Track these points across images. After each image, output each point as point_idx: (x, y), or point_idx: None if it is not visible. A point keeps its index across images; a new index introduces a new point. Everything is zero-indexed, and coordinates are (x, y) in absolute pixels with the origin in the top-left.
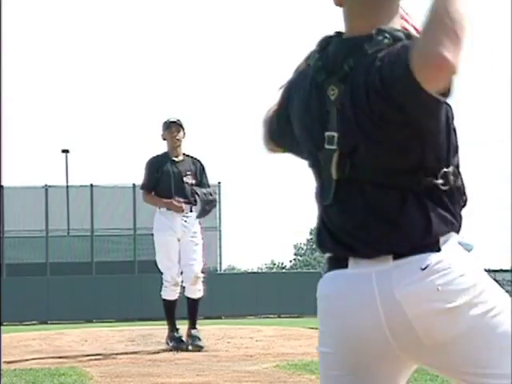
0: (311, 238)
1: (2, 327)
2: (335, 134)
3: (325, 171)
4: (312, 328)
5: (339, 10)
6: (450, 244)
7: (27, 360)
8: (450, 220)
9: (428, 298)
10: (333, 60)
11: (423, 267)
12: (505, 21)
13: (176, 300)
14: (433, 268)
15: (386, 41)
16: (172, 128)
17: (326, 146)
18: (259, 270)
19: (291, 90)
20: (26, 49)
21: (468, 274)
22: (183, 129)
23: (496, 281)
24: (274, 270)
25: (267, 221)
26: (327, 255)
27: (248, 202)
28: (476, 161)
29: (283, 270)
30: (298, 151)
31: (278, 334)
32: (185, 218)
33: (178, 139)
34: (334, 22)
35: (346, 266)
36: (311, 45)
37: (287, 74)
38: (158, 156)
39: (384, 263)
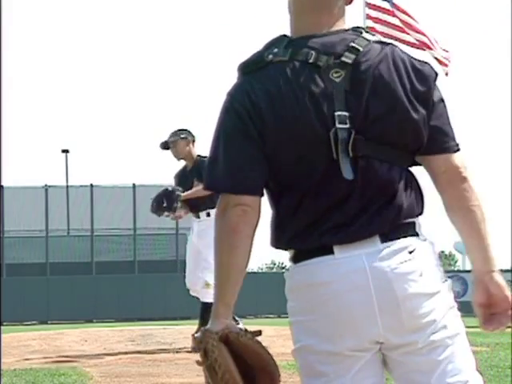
0: None
1: (2, 327)
2: (346, 114)
3: (339, 149)
4: None
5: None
6: (421, 228)
7: (27, 360)
8: (423, 205)
9: (413, 280)
10: (332, 46)
11: (410, 250)
12: (504, 21)
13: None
14: (418, 252)
15: (375, 38)
16: (168, 149)
17: (338, 126)
18: (259, 270)
19: (259, 107)
20: (26, 49)
21: (439, 265)
22: (181, 137)
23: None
24: (274, 270)
25: (267, 220)
26: (300, 248)
27: None
28: (476, 161)
29: (283, 270)
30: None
31: (278, 334)
32: (200, 223)
33: (176, 155)
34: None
35: (331, 253)
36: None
37: None
38: (179, 170)
39: (372, 246)
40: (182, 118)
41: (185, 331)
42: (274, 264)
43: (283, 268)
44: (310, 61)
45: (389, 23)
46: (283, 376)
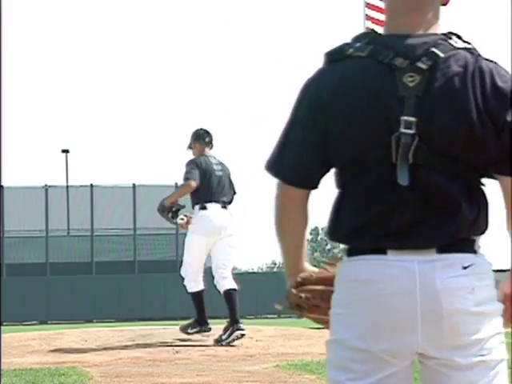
0: (312, 238)
1: (2, 327)
2: (413, 119)
3: (399, 154)
4: (312, 328)
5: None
6: (481, 249)
7: (27, 360)
8: (487, 224)
9: (463, 296)
10: (411, 49)
11: (465, 266)
12: (504, 21)
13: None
14: (472, 269)
15: (464, 45)
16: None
17: (403, 130)
18: (259, 270)
19: (326, 98)
20: (26, 49)
21: (493, 287)
22: (191, 142)
23: (496, 281)
24: (275, 270)
25: (268, 221)
26: (354, 245)
27: (248, 202)
28: None
29: (283, 270)
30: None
31: (278, 333)
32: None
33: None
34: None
35: (384, 254)
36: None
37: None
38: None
39: (427, 254)
40: (182, 118)
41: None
42: (275, 264)
43: (283, 268)
44: (386, 61)
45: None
46: (283, 376)
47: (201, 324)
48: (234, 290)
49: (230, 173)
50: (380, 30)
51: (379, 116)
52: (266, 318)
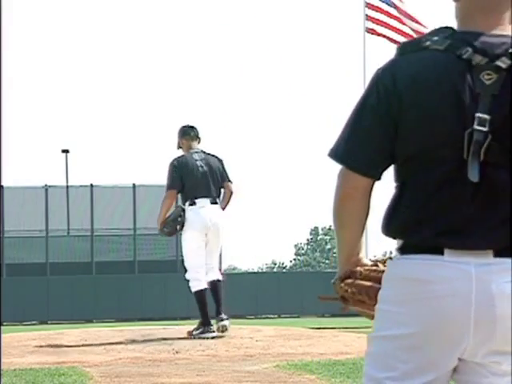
0: (312, 238)
1: (2, 327)
2: (487, 117)
3: (470, 151)
4: (312, 328)
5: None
6: None
7: (27, 360)
8: None
9: None
10: (490, 47)
11: None
12: None
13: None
14: None
15: None
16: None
17: (476, 127)
18: (259, 270)
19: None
20: (26, 49)
21: None
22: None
23: None
24: (275, 270)
25: (268, 221)
26: (410, 241)
27: (248, 202)
28: None
29: (284, 270)
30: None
31: (278, 334)
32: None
33: (185, 149)
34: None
35: (440, 254)
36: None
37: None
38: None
39: (484, 257)
40: (182, 118)
41: (185, 331)
42: (275, 264)
43: (284, 268)
44: (464, 57)
45: (388, 24)
46: (283, 376)
47: (204, 324)
48: (219, 280)
49: (223, 163)
50: (380, 29)
51: (453, 111)
52: (266, 318)
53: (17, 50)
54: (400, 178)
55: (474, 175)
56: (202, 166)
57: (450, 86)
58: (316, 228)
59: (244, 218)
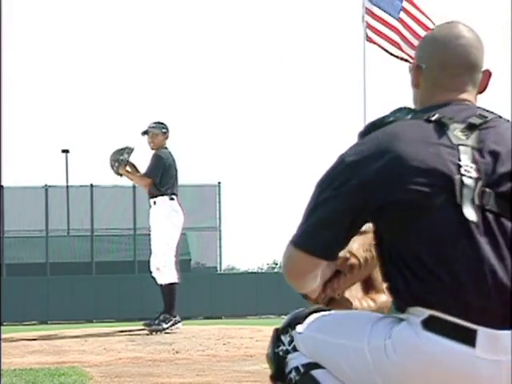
0: None
1: (2, 327)
2: (473, 165)
3: (463, 195)
4: None
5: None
6: None
7: (27, 360)
8: None
9: None
10: (456, 113)
11: None
12: (504, 21)
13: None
14: None
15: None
16: (146, 135)
17: (464, 173)
18: (259, 270)
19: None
20: (26, 49)
21: None
22: (162, 131)
23: None
24: (275, 270)
25: (268, 221)
26: (432, 312)
27: (248, 202)
28: None
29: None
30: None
31: None
32: (150, 210)
33: (152, 145)
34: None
35: (472, 345)
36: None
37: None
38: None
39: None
40: (182, 118)
41: (185, 331)
42: (276, 264)
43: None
44: (433, 119)
45: (386, 36)
46: None
47: (173, 316)
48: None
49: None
50: (379, 40)
51: (438, 162)
52: (266, 318)
53: (17, 50)
54: (389, 233)
55: (470, 215)
56: (175, 164)
57: (429, 143)
58: None
59: (244, 217)
